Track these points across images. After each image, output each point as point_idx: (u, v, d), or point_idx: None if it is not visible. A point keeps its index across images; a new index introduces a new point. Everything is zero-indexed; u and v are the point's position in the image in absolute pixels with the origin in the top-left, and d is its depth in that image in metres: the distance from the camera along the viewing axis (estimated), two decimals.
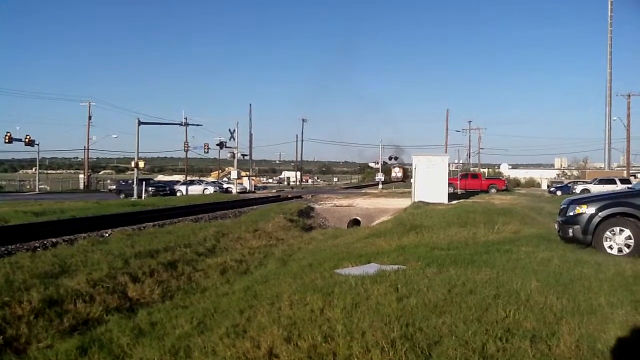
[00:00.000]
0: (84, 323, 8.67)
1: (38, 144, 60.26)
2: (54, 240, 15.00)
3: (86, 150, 70.25)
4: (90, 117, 67.92)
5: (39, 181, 66.21)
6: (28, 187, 68.65)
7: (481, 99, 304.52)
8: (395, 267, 8.61)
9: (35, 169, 71.29)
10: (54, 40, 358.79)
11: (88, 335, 7.53)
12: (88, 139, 68.63)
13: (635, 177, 49.28)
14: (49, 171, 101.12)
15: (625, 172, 59.65)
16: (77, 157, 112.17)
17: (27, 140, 55.32)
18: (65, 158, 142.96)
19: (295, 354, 4.83)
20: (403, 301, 6.20)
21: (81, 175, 75.57)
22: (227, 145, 57.99)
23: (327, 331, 5.29)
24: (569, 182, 55.86)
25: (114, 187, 62.65)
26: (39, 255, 12.49)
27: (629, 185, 21.27)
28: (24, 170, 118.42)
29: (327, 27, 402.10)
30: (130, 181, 49.76)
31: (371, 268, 8.75)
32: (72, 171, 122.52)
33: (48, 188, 67.65)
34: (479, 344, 4.71)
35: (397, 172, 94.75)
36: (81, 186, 70.14)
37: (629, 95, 58.94)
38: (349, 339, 5.01)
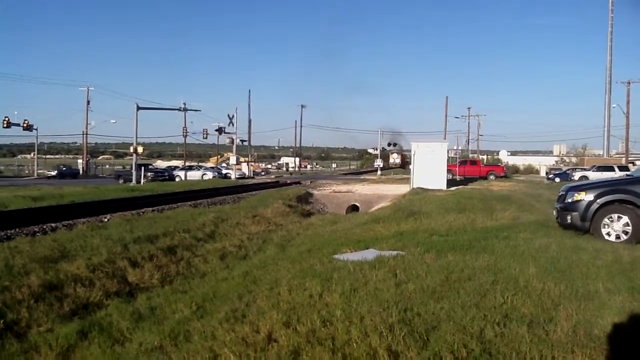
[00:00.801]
0: (84, 307, 8.72)
1: (36, 129, 60.20)
2: (53, 225, 15.00)
3: (85, 135, 70.07)
4: (88, 102, 67.76)
5: (37, 166, 66.14)
6: (27, 171, 68.63)
7: (481, 85, 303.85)
8: (394, 252, 8.64)
9: (34, 154, 71.14)
10: (53, 25, 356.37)
11: (88, 320, 7.59)
12: (87, 124, 68.52)
13: (633, 164, 49.26)
14: (48, 156, 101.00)
15: (623, 159, 59.60)
16: (76, 142, 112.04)
17: (25, 125, 55.11)
18: (64, 143, 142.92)
19: (294, 339, 4.85)
20: (401, 286, 6.23)
21: (79, 160, 75.39)
22: (226, 130, 57.88)
23: (326, 316, 5.32)
24: (568, 169, 55.86)
25: (55, 172, 61.08)
26: (39, 240, 12.51)
27: (627, 173, 21.32)
28: (22, 155, 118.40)
29: (327, 14, 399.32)
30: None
31: (370, 254, 8.78)
32: (70, 156, 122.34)
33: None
34: (477, 329, 4.74)
35: (395, 159, 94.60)
36: (80, 171, 70.01)
37: (629, 83, 58.70)
38: (347, 323, 5.03)
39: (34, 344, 6.71)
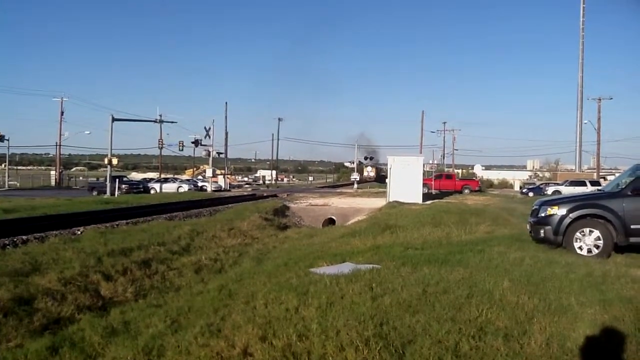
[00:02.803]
0: (56, 322, 8.55)
1: (8, 140, 59.16)
2: (24, 237, 14.72)
3: (58, 147, 68.99)
4: (62, 113, 66.86)
5: (8, 177, 64.90)
6: None
7: (456, 100, 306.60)
8: (370, 266, 8.65)
9: (5, 165, 69.86)
10: (27, 35, 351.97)
11: (59, 335, 7.43)
12: (60, 135, 67.54)
13: (605, 179, 50.25)
14: (19, 167, 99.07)
15: (595, 174, 60.80)
16: (49, 154, 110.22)
17: None
18: (37, 154, 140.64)
19: (270, 353, 4.83)
20: (377, 300, 6.24)
21: (52, 172, 74.21)
22: (203, 143, 57.59)
23: (302, 330, 5.30)
24: (541, 184, 56.79)
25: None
26: (9, 253, 12.27)
27: (599, 187, 21.77)
28: None
29: (303, 28, 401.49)
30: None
31: (346, 267, 8.78)
32: (43, 167, 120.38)
33: (18, 184, 66.33)
34: (452, 342, 4.77)
35: (369, 172, 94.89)
36: (53, 183, 68.89)
37: (600, 100, 60.04)
38: (323, 337, 5.02)
39: None
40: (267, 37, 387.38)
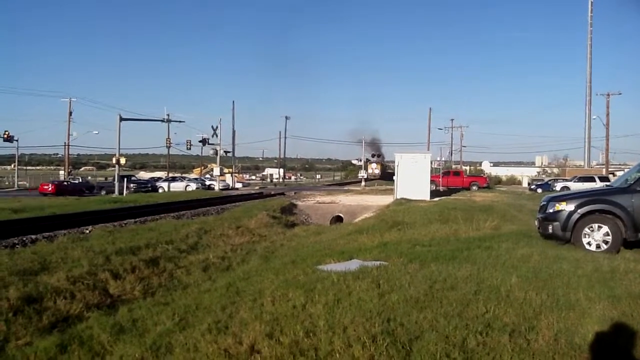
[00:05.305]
0: (64, 320, 8.60)
1: (17, 140, 59.61)
2: (33, 237, 14.83)
3: (67, 147, 69.27)
4: (71, 113, 67.02)
5: (18, 177, 65.35)
6: (7, 183, 67.74)
7: (463, 97, 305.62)
8: (377, 263, 8.64)
9: (14, 165, 70.31)
10: (35, 36, 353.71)
11: (68, 333, 7.47)
12: (69, 135, 67.75)
13: (614, 174, 49.90)
14: (29, 167, 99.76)
15: (604, 170, 60.43)
16: (58, 154, 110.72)
17: (6, 135, 54.60)
18: (45, 154, 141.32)
19: (277, 350, 4.83)
20: (385, 297, 6.23)
21: (61, 172, 74.59)
22: (210, 141, 57.79)
23: (309, 327, 5.30)
24: (550, 180, 56.48)
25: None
26: (18, 252, 12.35)
27: (608, 183, 21.64)
28: (3, 167, 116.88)
29: (305, 24, 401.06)
30: None
31: (353, 264, 8.77)
32: (52, 167, 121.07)
33: (27, 184, 66.78)
34: (460, 338, 4.75)
35: (374, 169, 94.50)
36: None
37: (609, 95, 59.62)
38: (330, 334, 5.02)
39: (12, 358, 6.60)
40: (271, 34, 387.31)
